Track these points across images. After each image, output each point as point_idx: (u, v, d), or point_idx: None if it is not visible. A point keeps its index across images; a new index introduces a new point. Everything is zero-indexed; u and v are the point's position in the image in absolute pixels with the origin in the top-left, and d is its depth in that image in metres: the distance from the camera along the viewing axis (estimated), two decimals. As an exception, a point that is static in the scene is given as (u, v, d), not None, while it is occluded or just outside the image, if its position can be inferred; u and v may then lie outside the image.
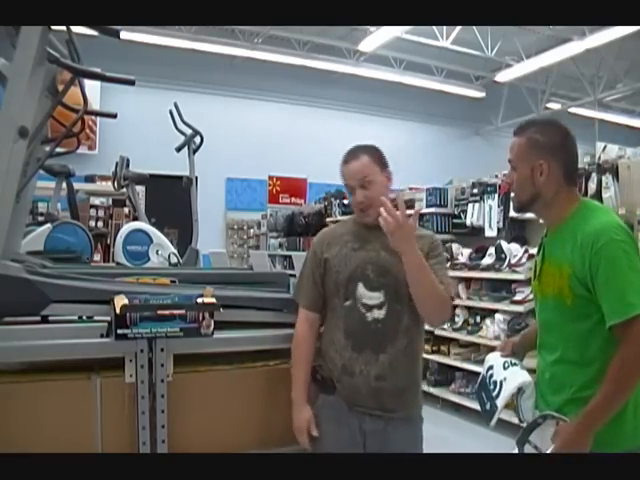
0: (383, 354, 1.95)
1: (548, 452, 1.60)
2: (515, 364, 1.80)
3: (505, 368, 1.79)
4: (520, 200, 1.79)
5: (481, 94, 12.49)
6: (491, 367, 1.84)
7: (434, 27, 9.75)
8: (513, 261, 4.78)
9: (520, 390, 1.74)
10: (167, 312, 1.90)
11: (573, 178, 1.78)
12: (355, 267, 2.00)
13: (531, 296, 3.85)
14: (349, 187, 2.03)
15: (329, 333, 2.06)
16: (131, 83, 2.43)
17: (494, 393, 1.79)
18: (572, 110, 12.74)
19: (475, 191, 5.50)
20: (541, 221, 1.89)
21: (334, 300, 2.04)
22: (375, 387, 1.95)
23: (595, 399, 1.55)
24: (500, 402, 1.77)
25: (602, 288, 1.57)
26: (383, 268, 1.98)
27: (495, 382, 1.79)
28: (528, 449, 1.69)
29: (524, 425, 1.74)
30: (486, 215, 5.32)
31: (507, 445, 1.96)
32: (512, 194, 1.84)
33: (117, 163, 5.52)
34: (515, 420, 1.84)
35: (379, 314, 1.97)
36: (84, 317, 2.04)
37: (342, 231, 2.12)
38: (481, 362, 5.13)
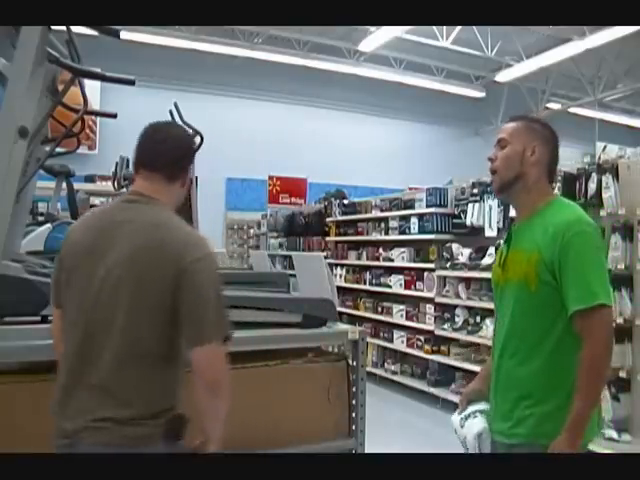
0: None
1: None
2: (468, 417, 1.86)
3: (462, 427, 1.86)
4: (503, 178, 1.79)
5: (481, 94, 12.51)
6: (455, 431, 1.90)
7: (434, 27, 9.75)
8: (513, 261, 4.78)
9: (480, 435, 1.80)
10: (167, 312, 1.89)
11: (552, 174, 1.85)
12: None
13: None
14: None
15: None
16: (131, 83, 2.44)
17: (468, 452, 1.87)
18: (572, 110, 12.75)
19: (475, 191, 5.49)
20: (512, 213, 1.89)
21: None
22: None
23: (576, 405, 1.58)
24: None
25: (569, 275, 1.62)
26: None
27: (463, 443, 1.85)
28: None
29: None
30: (486, 215, 5.31)
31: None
32: (492, 174, 1.82)
33: (117, 163, 5.52)
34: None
35: None
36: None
37: None
38: (481, 362, 5.09)
